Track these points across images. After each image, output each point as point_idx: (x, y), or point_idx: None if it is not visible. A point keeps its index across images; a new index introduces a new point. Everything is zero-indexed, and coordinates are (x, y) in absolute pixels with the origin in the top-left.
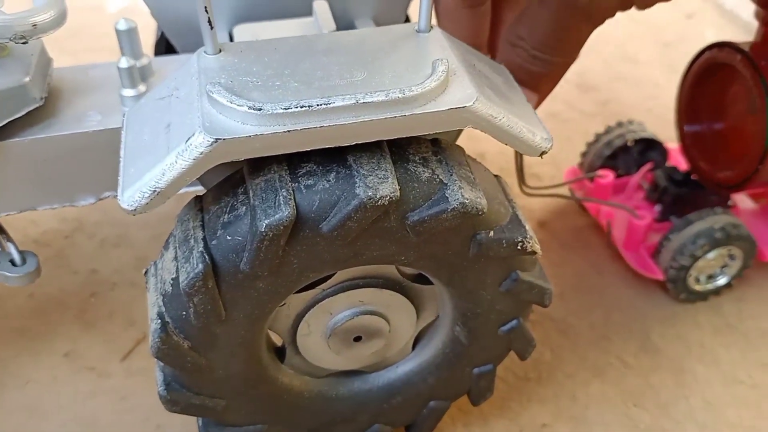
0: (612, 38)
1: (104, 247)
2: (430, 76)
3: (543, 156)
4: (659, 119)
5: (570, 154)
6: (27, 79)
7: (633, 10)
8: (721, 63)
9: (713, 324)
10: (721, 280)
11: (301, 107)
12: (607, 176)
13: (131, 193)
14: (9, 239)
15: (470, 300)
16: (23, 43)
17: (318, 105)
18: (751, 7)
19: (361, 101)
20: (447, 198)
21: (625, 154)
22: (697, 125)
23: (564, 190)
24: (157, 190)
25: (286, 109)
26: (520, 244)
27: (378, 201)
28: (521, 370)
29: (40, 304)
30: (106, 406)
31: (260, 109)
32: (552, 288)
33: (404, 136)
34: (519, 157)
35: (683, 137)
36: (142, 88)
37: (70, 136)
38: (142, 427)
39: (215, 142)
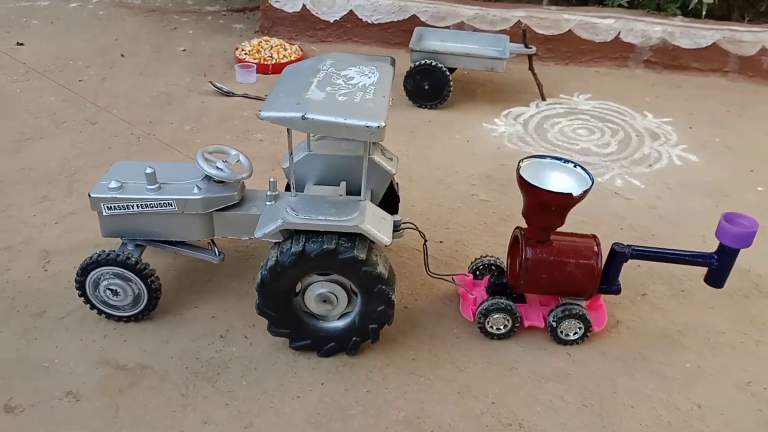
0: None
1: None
2: (356, 212)
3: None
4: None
5: (464, 267)
6: (235, 193)
7: None
8: (516, 236)
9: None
10: (503, 330)
11: (310, 217)
12: (470, 276)
13: (260, 232)
14: (214, 244)
15: (369, 299)
16: (238, 182)
17: (319, 218)
18: None
19: (337, 221)
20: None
21: (483, 269)
22: (510, 260)
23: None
24: (267, 233)
25: (306, 216)
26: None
27: (322, 250)
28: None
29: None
30: None
31: (298, 214)
32: (395, 299)
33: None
34: (425, 252)
35: (507, 265)
36: (269, 202)
37: (245, 214)
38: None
39: (284, 222)
